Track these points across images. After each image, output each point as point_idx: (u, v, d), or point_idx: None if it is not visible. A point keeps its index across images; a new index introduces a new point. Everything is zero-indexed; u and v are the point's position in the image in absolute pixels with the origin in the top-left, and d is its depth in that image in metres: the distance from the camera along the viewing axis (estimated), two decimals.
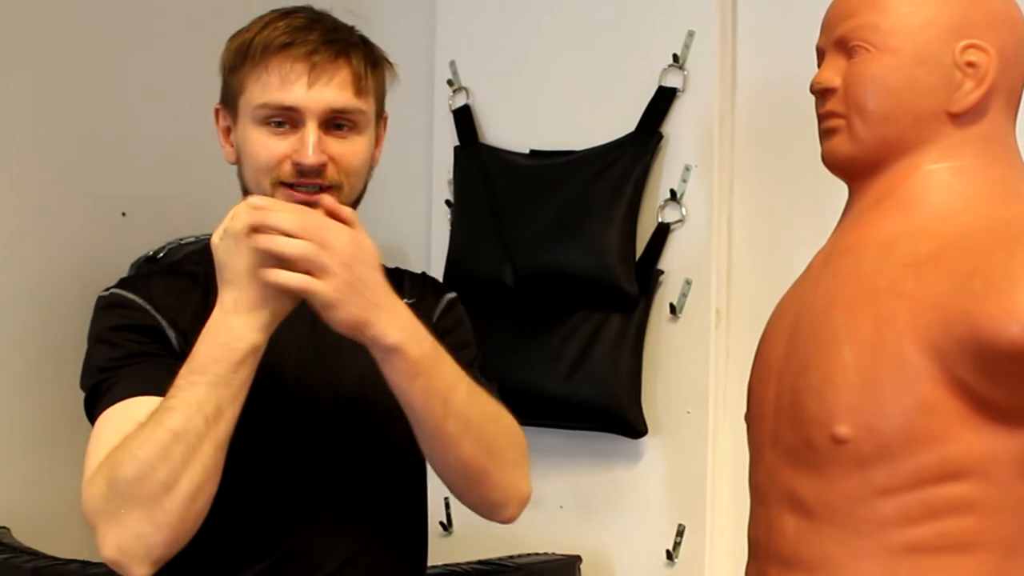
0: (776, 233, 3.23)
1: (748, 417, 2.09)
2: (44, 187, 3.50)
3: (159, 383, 1.93)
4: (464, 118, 3.63)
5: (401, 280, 2.30)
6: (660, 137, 3.33)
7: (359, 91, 2.07)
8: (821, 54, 1.99)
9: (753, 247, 3.28)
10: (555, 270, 3.38)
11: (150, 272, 2.33)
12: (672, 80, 3.32)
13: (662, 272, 3.33)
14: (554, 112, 3.51)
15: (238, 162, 2.11)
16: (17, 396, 3.35)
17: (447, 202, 3.67)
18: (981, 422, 1.72)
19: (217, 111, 2.16)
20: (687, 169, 3.30)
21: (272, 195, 2.00)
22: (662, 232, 3.33)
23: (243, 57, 2.06)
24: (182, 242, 3.55)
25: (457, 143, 3.63)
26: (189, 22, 3.79)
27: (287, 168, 2.02)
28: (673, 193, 3.31)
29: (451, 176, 3.64)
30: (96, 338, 2.10)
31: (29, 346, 3.37)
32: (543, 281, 3.40)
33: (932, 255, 1.77)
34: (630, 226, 3.32)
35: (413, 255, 3.84)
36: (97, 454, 1.95)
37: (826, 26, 1.98)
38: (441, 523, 3.61)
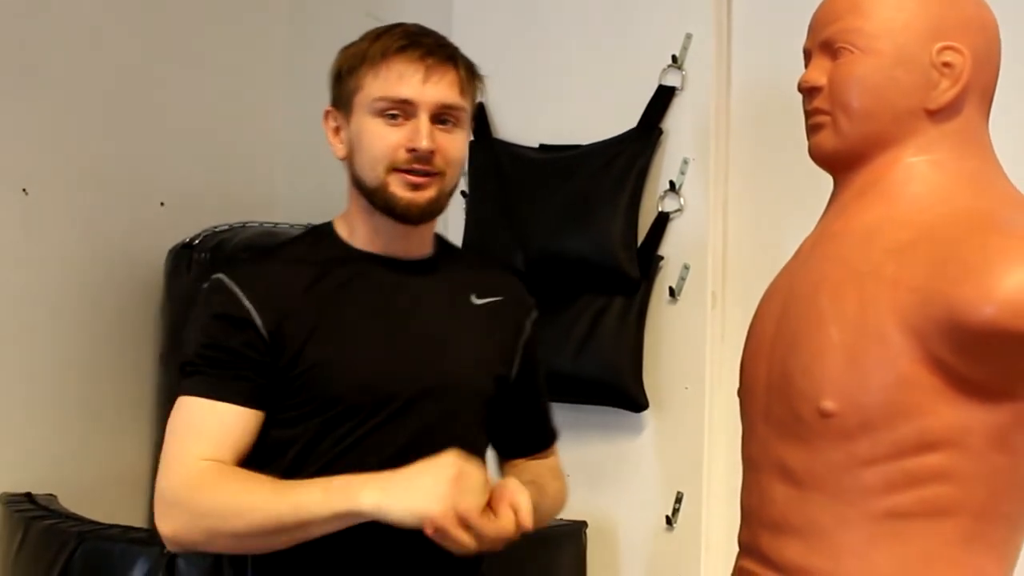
0: (768, 221, 3.23)
1: (741, 392, 2.09)
2: (87, 178, 3.51)
3: (231, 392, 2.10)
4: (478, 114, 3.62)
5: (485, 271, 2.46)
6: (660, 132, 3.33)
7: (463, 91, 2.21)
8: (808, 55, 1.99)
9: (747, 234, 3.28)
10: (563, 256, 3.38)
11: (256, 258, 2.49)
12: (671, 79, 3.32)
13: (662, 258, 3.33)
14: (562, 109, 3.51)
15: (349, 156, 2.22)
16: (64, 374, 3.36)
17: (462, 192, 3.66)
18: (957, 397, 1.72)
19: (327, 113, 2.27)
20: (685, 162, 3.30)
21: (386, 180, 2.16)
22: (662, 221, 3.33)
23: (360, 60, 2.18)
24: (216, 230, 3.55)
25: (472, 138, 3.63)
26: (227, 20, 3.79)
27: (402, 155, 2.15)
28: (672, 184, 3.31)
29: (466, 168, 3.64)
30: (199, 320, 2.17)
31: (75, 327, 3.38)
32: (552, 266, 3.40)
33: (912, 242, 1.77)
34: (632, 215, 3.33)
35: None
36: (180, 439, 2.10)
37: (812, 29, 1.98)
38: None
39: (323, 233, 2.30)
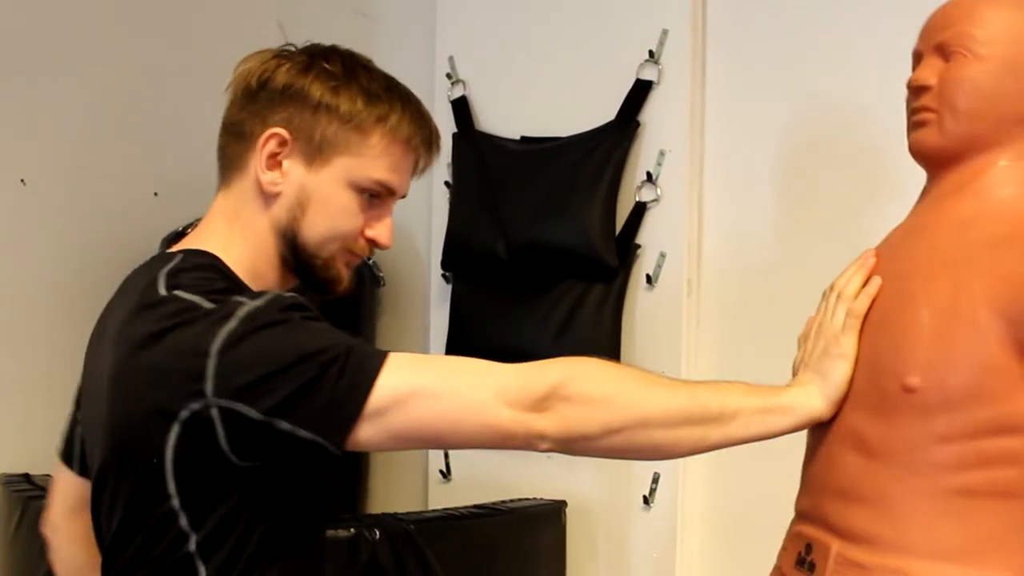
0: (741, 211, 3.22)
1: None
2: (83, 169, 3.50)
3: None
4: (461, 108, 3.62)
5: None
6: (637, 125, 3.32)
7: None
8: (917, 57, 1.99)
9: (721, 224, 3.27)
10: (543, 244, 3.38)
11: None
12: (648, 74, 3.31)
13: (639, 246, 3.32)
14: (542, 102, 3.50)
15: (292, 204, 1.89)
16: (60, 358, 3.35)
17: (446, 183, 3.66)
18: None
19: (274, 135, 1.88)
20: (662, 154, 3.29)
21: (334, 257, 1.91)
22: (639, 210, 3.32)
23: (373, 125, 1.89)
24: None
25: (455, 130, 3.62)
26: (219, 13, 3.78)
27: (362, 243, 1.93)
28: (649, 175, 3.30)
29: (450, 160, 3.63)
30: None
31: (71, 313, 3.38)
32: (533, 254, 3.40)
33: (1007, 236, 1.79)
34: (611, 205, 3.32)
35: (416, 231, 3.84)
36: None
37: (926, 32, 1.98)
38: (441, 471, 3.61)
39: (232, 279, 1.88)
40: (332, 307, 3.59)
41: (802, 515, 2.00)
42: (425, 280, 3.80)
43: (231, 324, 1.71)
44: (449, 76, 3.65)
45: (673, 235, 3.28)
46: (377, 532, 2.87)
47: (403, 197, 1.99)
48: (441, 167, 3.67)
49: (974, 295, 1.76)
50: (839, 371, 1.88)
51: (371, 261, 3.76)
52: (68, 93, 3.48)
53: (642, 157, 3.33)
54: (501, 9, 3.60)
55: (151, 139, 3.65)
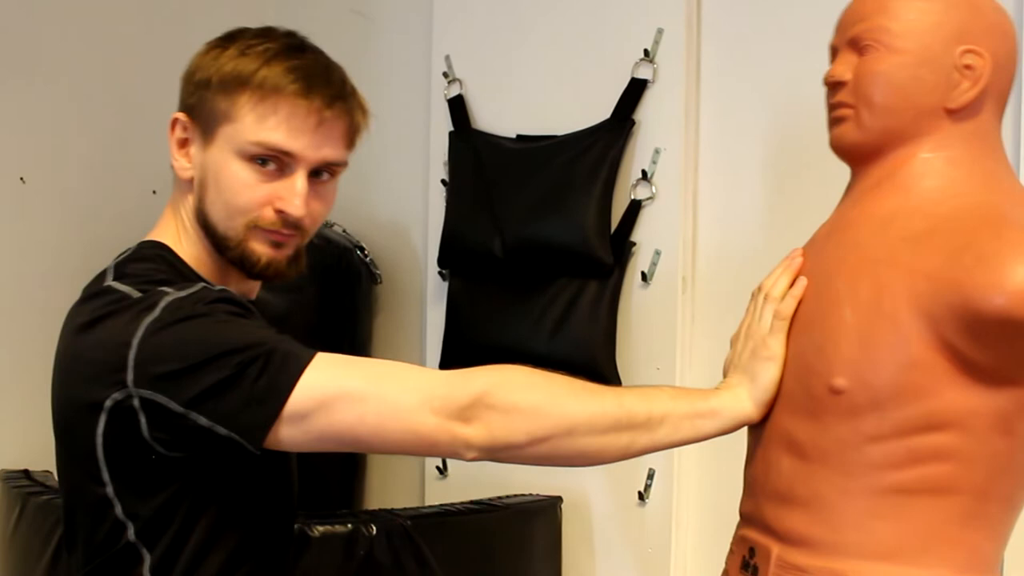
0: (736, 209, 3.23)
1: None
2: (83, 168, 3.49)
3: None
4: (458, 106, 3.62)
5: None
6: (632, 123, 3.32)
7: (350, 144, 1.92)
8: (834, 52, 2.00)
9: (715, 221, 3.27)
10: (539, 242, 3.38)
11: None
12: (643, 72, 3.32)
13: (634, 243, 3.32)
14: (538, 101, 3.50)
15: (198, 186, 1.88)
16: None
17: (443, 181, 3.66)
18: (964, 380, 1.74)
19: (175, 121, 1.92)
20: (657, 152, 3.29)
21: (244, 237, 1.84)
22: (634, 208, 3.32)
23: (240, 84, 1.84)
24: None
25: (452, 129, 3.62)
26: (215, 13, 3.78)
27: (269, 214, 1.84)
28: (644, 173, 3.30)
29: (446, 158, 3.63)
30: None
31: (67, 311, 3.38)
32: (528, 252, 3.40)
33: (927, 231, 1.79)
34: (606, 202, 3.32)
35: (413, 229, 3.84)
36: None
37: (840, 27, 1.99)
38: (437, 467, 3.61)
39: (180, 270, 1.87)
40: (329, 304, 3.60)
41: (745, 518, 2.02)
42: (422, 277, 3.81)
43: (154, 314, 1.71)
44: (446, 75, 3.65)
45: (668, 233, 3.28)
46: (374, 528, 2.87)
47: (335, 164, 1.89)
48: (438, 165, 3.67)
49: (896, 293, 1.77)
50: (767, 373, 1.89)
51: (368, 259, 3.77)
52: (67, 92, 3.49)
53: (637, 155, 3.33)
54: (498, 8, 3.61)
55: (150, 138, 3.65)
